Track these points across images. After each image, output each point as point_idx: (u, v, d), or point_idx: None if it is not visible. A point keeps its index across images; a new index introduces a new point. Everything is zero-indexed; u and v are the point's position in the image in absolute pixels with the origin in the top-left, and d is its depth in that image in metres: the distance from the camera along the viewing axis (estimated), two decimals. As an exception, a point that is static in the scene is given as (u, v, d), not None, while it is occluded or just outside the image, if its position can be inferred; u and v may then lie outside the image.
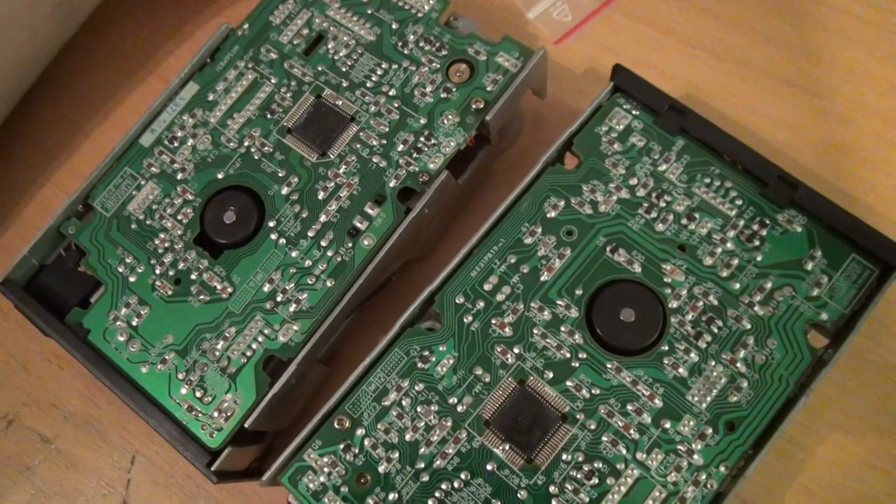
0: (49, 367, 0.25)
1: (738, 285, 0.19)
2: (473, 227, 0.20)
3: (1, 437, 0.24)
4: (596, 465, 0.18)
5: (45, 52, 0.26)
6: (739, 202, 0.20)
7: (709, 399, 0.18)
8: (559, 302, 0.20)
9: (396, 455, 0.19)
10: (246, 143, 0.22)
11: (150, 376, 0.20)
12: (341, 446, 0.19)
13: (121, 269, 0.22)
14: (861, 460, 0.21)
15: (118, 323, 0.21)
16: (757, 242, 0.19)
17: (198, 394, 0.20)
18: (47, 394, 0.24)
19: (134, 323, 0.21)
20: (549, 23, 0.25)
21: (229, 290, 0.21)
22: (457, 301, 0.20)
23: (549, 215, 0.20)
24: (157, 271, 0.21)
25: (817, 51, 0.25)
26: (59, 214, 0.22)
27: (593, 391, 0.19)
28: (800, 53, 0.25)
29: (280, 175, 0.22)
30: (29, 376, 0.25)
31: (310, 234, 0.21)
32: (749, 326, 0.19)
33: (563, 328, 0.19)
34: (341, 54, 0.23)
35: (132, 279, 0.21)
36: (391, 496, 0.18)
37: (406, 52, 0.23)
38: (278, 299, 0.21)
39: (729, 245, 0.20)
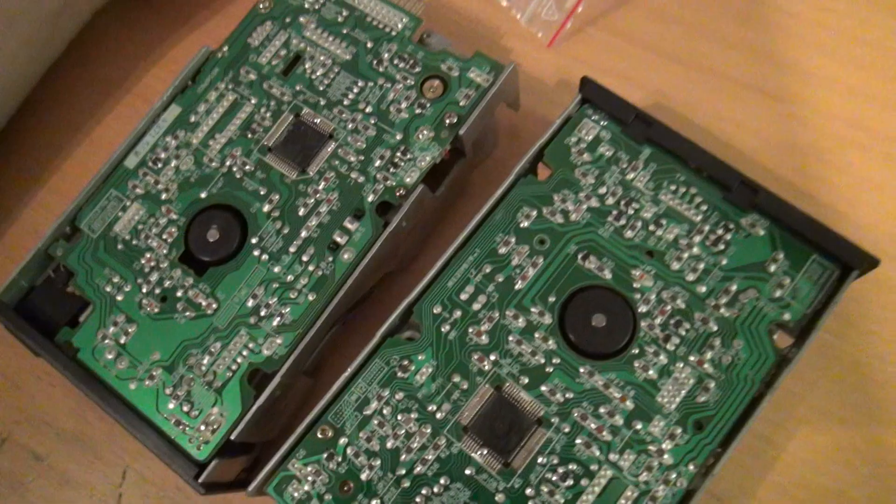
0: (40, 385, 0.25)
1: (704, 289, 0.20)
2: (452, 238, 0.21)
3: (-5, 456, 0.25)
4: (570, 467, 0.19)
5: (26, 76, 0.27)
6: (704, 208, 0.21)
7: (678, 400, 0.19)
8: (533, 309, 0.20)
9: (378, 462, 0.19)
10: (228, 163, 0.23)
11: (139, 392, 0.21)
12: (324, 455, 0.20)
13: (108, 289, 0.22)
14: (828, 455, 0.21)
15: (106, 341, 0.22)
16: (722, 246, 0.20)
17: (185, 408, 0.21)
18: (39, 412, 0.25)
19: (122, 341, 0.22)
20: (540, 25, 0.25)
21: (214, 306, 0.22)
22: (434, 311, 0.21)
23: (522, 225, 0.21)
24: (144, 290, 0.22)
25: (780, 57, 0.26)
26: (47, 237, 0.23)
27: (567, 395, 0.19)
28: (763, 59, 0.26)
29: (261, 193, 0.23)
30: (21, 395, 0.25)
31: (291, 249, 0.22)
32: (716, 328, 0.20)
33: (537, 335, 0.20)
34: (318, 73, 0.24)
35: (119, 298, 0.22)
36: (374, 502, 0.19)
37: (381, 69, 0.23)
38: (262, 314, 0.21)
39: (695, 250, 0.20)
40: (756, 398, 0.19)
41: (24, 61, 0.26)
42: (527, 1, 0.25)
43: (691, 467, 0.18)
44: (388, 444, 0.19)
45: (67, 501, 0.24)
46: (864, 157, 0.24)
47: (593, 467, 0.19)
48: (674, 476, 0.18)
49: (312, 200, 0.22)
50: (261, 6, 0.25)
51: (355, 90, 0.23)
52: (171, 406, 0.21)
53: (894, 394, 0.22)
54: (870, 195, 0.24)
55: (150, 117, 0.24)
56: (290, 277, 0.22)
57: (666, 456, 0.19)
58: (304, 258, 0.22)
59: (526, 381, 0.20)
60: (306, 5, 0.25)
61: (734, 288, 0.20)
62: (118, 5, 0.29)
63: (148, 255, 0.22)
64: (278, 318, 0.21)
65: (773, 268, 0.20)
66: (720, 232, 0.20)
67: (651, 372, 0.19)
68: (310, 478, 0.19)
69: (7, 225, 0.28)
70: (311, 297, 0.21)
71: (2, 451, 0.25)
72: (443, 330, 0.20)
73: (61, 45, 0.27)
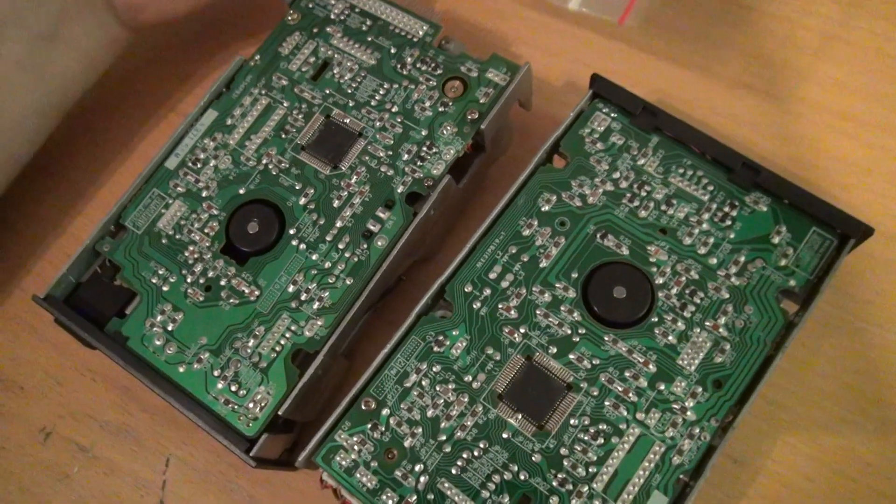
0: (83, 381, 0.26)
1: (714, 260, 0.22)
2: (473, 229, 0.23)
3: (40, 449, 0.26)
4: (601, 426, 0.20)
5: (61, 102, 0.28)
6: (711, 188, 0.22)
7: (697, 361, 0.21)
8: (558, 285, 0.22)
9: (420, 430, 0.21)
10: (264, 161, 0.25)
11: (188, 375, 0.22)
12: (369, 426, 0.21)
13: (154, 281, 0.24)
14: (836, 416, 0.23)
15: (155, 329, 0.23)
16: (729, 222, 0.22)
17: (233, 388, 0.22)
18: (82, 406, 0.26)
19: (169, 328, 0.23)
20: (599, 5, 0.23)
21: (256, 292, 0.23)
22: (465, 290, 0.22)
23: (543, 209, 0.23)
24: (189, 280, 0.23)
25: (770, 57, 0.28)
26: (93, 234, 0.24)
27: (594, 361, 0.21)
28: (755, 60, 0.28)
29: (297, 188, 0.24)
30: (64, 390, 0.26)
31: (328, 238, 0.23)
32: (727, 296, 0.21)
33: (562, 308, 0.22)
34: (346, 78, 0.25)
35: (165, 288, 0.23)
36: (417, 467, 0.20)
37: (405, 72, 0.25)
38: (302, 298, 0.23)
39: (704, 226, 0.22)
40: (767, 359, 0.21)
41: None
42: None
43: (713, 422, 0.20)
44: (429, 413, 0.21)
45: (113, 489, 0.25)
46: (852, 144, 0.26)
47: (622, 426, 0.20)
48: (697, 430, 0.20)
49: (346, 193, 0.24)
50: (289, 18, 0.27)
51: (381, 92, 0.25)
52: (219, 386, 0.22)
53: (892, 356, 0.23)
54: (859, 178, 0.26)
55: (188, 122, 0.26)
56: (327, 264, 0.23)
57: (689, 413, 0.20)
58: (341, 246, 0.23)
59: (554, 350, 0.21)
60: (332, 16, 0.26)
61: (742, 259, 0.21)
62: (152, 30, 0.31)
63: (191, 248, 0.24)
64: (318, 302, 0.23)
65: (776, 240, 0.22)
66: (727, 209, 0.22)
67: (671, 337, 0.21)
68: (356, 447, 0.21)
69: (51, 234, 0.29)
70: (348, 282, 0.23)
71: (47, 444, 0.26)
72: (474, 306, 0.22)
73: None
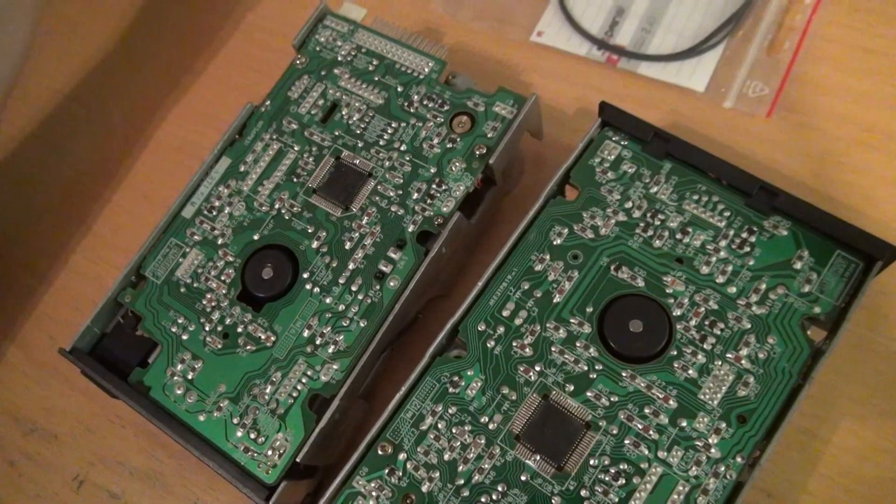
0: (112, 428, 0.27)
1: (734, 289, 0.21)
2: (489, 263, 0.23)
3: (74, 497, 0.26)
4: (621, 466, 0.20)
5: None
6: (727, 214, 0.22)
7: (719, 396, 0.20)
8: (572, 320, 0.21)
9: (437, 474, 0.20)
10: (277, 206, 0.25)
11: (208, 423, 0.22)
12: (386, 471, 0.21)
13: (174, 330, 0.24)
14: (873, 444, 0.22)
15: (175, 378, 0.23)
16: (748, 249, 0.21)
17: (252, 435, 0.22)
18: (112, 453, 0.26)
19: (189, 377, 0.23)
20: (749, 103, 0.26)
21: (273, 338, 0.23)
22: (479, 328, 0.22)
23: (555, 243, 0.22)
24: (207, 328, 0.24)
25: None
26: (115, 286, 0.25)
27: (612, 399, 0.20)
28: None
29: (309, 231, 0.24)
30: (94, 437, 0.27)
31: (341, 280, 0.23)
32: (749, 326, 0.20)
33: (578, 344, 0.21)
34: (355, 118, 0.26)
35: (185, 337, 0.24)
36: (436, 512, 0.20)
37: (412, 110, 0.25)
38: (317, 342, 0.23)
39: (722, 253, 0.21)
40: (795, 389, 0.20)
41: None
42: (727, 88, 0.26)
43: (739, 459, 0.19)
44: (446, 457, 0.21)
45: (143, 536, 0.25)
46: (877, 156, 0.25)
47: (643, 465, 0.20)
48: (723, 469, 0.19)
49: (357, 234, 0.24)
50: (297, 62, 0.27)
51: (390, 131, 0.25)
52: (239, 434, 0.22)
53: (932, 380, 0.22)
54: (885, 192, 0.25)
55: (202, 170, 0.26)
56: (341, 307, 0.23)
57: (713, 450, 0.19)
58: (354, 288, 0.23)
59: (571, 388, 0.21)
60: (339, 58, 0.27)
61: (763, 287, 0.21)
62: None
63: (209, 296, 0.24)
64: (333, 346, 0.23)
65: (798, 265, 0.21)
66: (745, 235, 0.21)
67: (691, 371, 0.20)
68: (374, 493, 0.20)
69: (78, 281, 0.30)
70: (362, 324, 0.23)
71: (80, 493, 0.26)
72: (488, 345, 0.22)
73: None
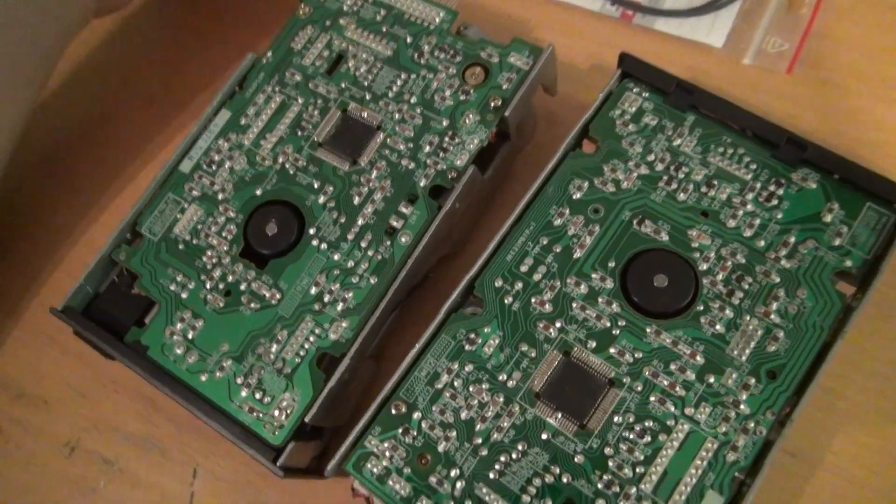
0: (106, 392, 0.26)
1: (762, 243, 0.20)
2: (500, 221, 0.22)
3: (65, 464, 0.25)
4: (647, 424, 0.19)
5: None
6: (754, 166, 0.21)
7: (748, 351, 0.19)
8: (594, 275, 0.21)
9: (454, 434, 0.20)
10: (280, 160, 0.24)
11: (210, 383, 0.21)
12: (400, 430, 0.20)
13: (172, 288, 0.23)
14: (901, 403, 0.21)
15: (175, 337, 0.22)
16: (775, 202, 0.21)
17: (257, 395, 0.21)
18: (106, 418, 0.25)
19: (190, 336, 0.22)
20: (768, 59, 0.25)
21: (278, 296, 0.22)
22: (496, 284, 0.21)
23: (574, 197, 0.22)
24: (208, 286, 0.23)
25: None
26: (109, 242, 0.23)
27: (636, 355, 0.20)
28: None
29: (315, 186, 0.23)
30: (87, 403, 0.26)
31: (349, 236, 0.22)
32: (778, 280, 0.20)
33: (600, 299, 0.20)
34: (362, 70, 0.24)
35: (184, 295, 0.23)
36: (453, 472, 0.19)
37: (423, 61, 0.24)
38: (325, 300, 0.22)
39: (749, 207, 0.21)
40: (825, 346, 0.19)
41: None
42: (745, 44, 0.26)
43: (769, 415, 0.18)
44: (463, 415, 0.20)
45: (140, 503, 0.24)
46: (900, 113, 0.24)
47: (670, 422, 0.19)
48: (752, 425, 0.18)
49: (366, 189, 0.23)
50: (300, 12, 0.26)
51: (399, 83, 0.24)
52: (243, 394, 0.21)
53: (959, 340, 0.22)
54: (910, 149, 0.24)
55: (201, 123, 0.25)
56: (350, 263, 0.22)
57: (742, 406, 0.19)
58: (363, 244, 0.22)
59: (594, 344, 0.20)
60: (345, 7, 0.26)
61: (792, 240, 0.20)
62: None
63: (209, 253, 0.23)
64: (342, 303, 0.22)
65: (828, 218, 0.20)
66: (772, 188, 0.21)
67: (718, 326, 0.20)
68: (387, 453, 0.20)
69: (68, 243, 0.28)
70: (372, 281, 0.22)
71: (72, 459, 0.25)
72: (506, 301, 0.21)
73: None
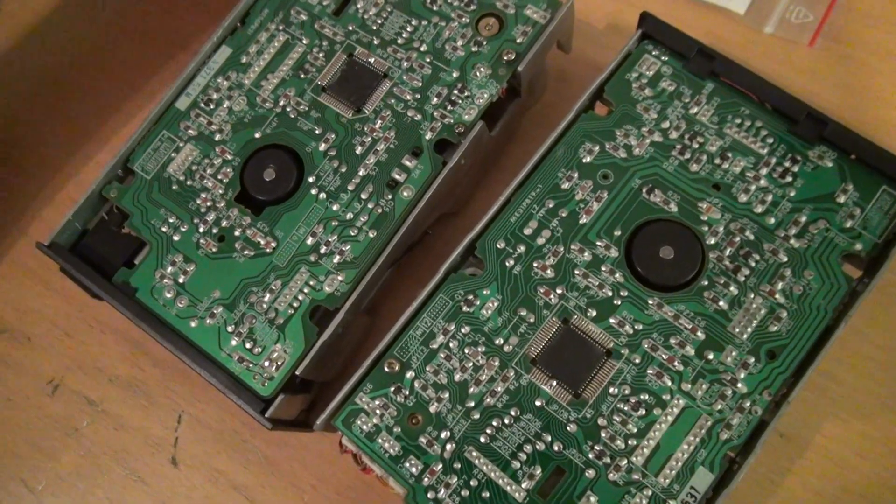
0: (92, 333, 0.25)
1: (773, 220, 0.20)
2: (504, 182, 0.21)
3: (48, 402, 0.25)
4: (642, 396, 0.19)
5: None
6: (770, 140, 0.20)
7: (750, 330, 0.19)
8: (599, 243, 0.20)
9: (447, 395, 0.19)
10: (281, 103, 0.23)
11: (200, 330, 0.21)
12: (392, 389, 0.19)
13: (164, 229, 0.22)
14: (894, 391, 0.21)
15: (165, 280, 0.21)
16: (789, 178, 0.20)
17: (248, 345, 0.21)
18: (91, 358, 0.25)
19: (181, 280, 0.21)
20: (791, 30, 0.24)
21: (273, 244, 0.21)
22: (498, 246, 0.20)
23: (584, 160, 0.21)
24: (201, 230, 0.22)
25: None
26: (100, 178, 0.23)
27: (636, 327, 0.19)
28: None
29: (317, 132, 0.22)
30: (72, 342, 0.25)
31: (350, 187, 0.22)
32: (786, 259, 0.19)
33: (603, 268, 0.20)
34: (371, 13, 0.23)
35: (176, 238, 0.22)
36: (443, 434, 0.19)
37: (435, 8, 0.23)
38: (322, 251, 0.21)
39: (762, 182, 0.20)
40: (827, 329, 0.19)
41: None
42: (768, 12, 0.24)
43: (766, 395, 0.18)
44: (456, 377, 0.19)
45: (123, 445, 0.24)
46: (923, 96, 0.24)
47: (665, 397, 0.19)
48: (748, 404, 0.18)
49: (369, 139, 0.22)
50: (309, -53, 0.24)
51: (409, 29, 0.23)
52: (233, 343, 0.21)
53: (959, 329, 0.21)
54: (930, 133, 0.23)
55: (199, 59, 0.24)
56: (349, 215, 0.21)
57: (740, 385, 0.18)
58: (363, 196, 0.21)
59: (594, 313, 0.19)
60: (356, -55, 0.24)
61: (804, 219, 0.20)
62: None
63: (203, 196, 0.22)
64: (339, 256, 0.21)
65: (842, 199, 0.20)
66: (787, 164, 0.20)
67: (722, 303, 0.19)
68: (378, 411, 0.19)
69: (59, 178, 0.27)
70: (371, 234, 0.21)
71: (55, 397, 0.25)
72: (507, 264, 0.20)
73: None
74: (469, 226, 0.21)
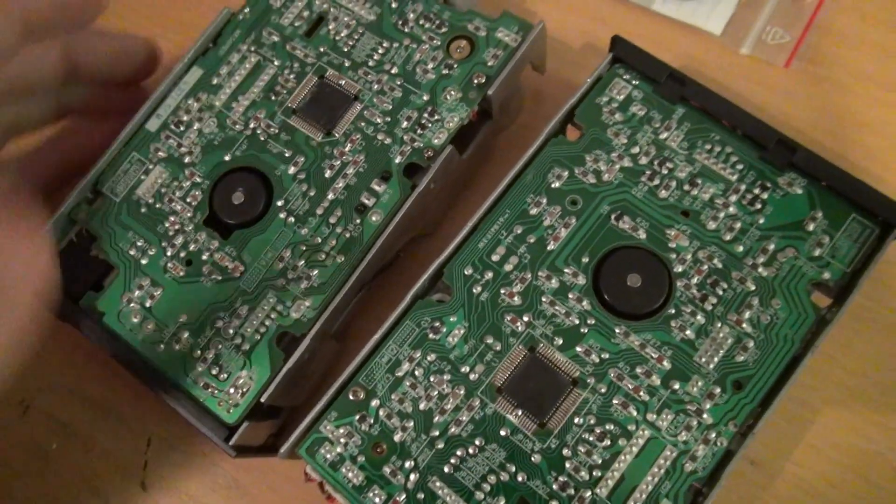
0: (63, 353, 0.25)
1: (741, 248, 0.20)
2: (477, 203, 0.21)
3: (18, 423, 0.24)
4: (607, 427, 0.19)
5: None
6: (740, 167, 0.20)
7: (716, 359, 0.19)
8: (566, 270, 0.20)
9: (411, 424, 0.19)
10: (251, 125, 0.23)
11: (166, 355, 0.21)
12: (356, 417, 0.19)
13: (132, 252, 0.22)
14: (866, 418, 0.21)
15: (132, 305, 0.21)
16: (759, 206, 0.20)
17: (213, 371, 0.20)
18: (62, 379, 0.25)
19: (147, 304, 0.21)
20: (767, 51, 0.24)
21: (241, 269, 0.21)
22: (465, 272, 0.20)
23: (553, 186, 0.21)
24: (169, 253, 0.22)
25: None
26: (69, 201, 0.23)
27: (602, 356, 0.19)
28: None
29: (286, 155, 0.22)
30: (43, 362, 0.25)
31: (318, 211, 0.21)
32: (753, 287, 0.19)
33: (571, 295, 0.20)
34: (342, 35, 0.23)
35: (144, 261, 0.22)
36: (407, 464, 0.19)
37: (406, 30, 0.23)
38: (289, 276, 0.21)
39: (731, 209, 0.20)
40: (794, 358, 0.19)
41: None
42: (745, 33, 0.24)
43: (731, 427, 0.18)
44: (421, 406, 0.19)
45: (92, 469, 0.24)
46: (898, 118, 0.24)
47: (631, 427, 0.18)
48: (713, 435, 0.18)
49: (339, 162, 0.22)
50: (282, -33, 0.24)
51: (380, 51, 0.23)
52: (199, 369, 0.20)
53: (931, 356, 0.21)
54: (905, 157, 0.23)
55: (171, 80, 0.24)
56: (317, 240, 0.21)
57: (705, 415, 0.18)
58: (332, 220, 0.21)
59: (560, 341, 0.19)
60: (329, -35, 0.24)
61: (772, 247, 0.19)
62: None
63: (172, 219, 0.22)
64: (306, 281, 0.21)
65: (811, 226, 0.20)
66: (757, 191, 0.20)
67: (688, 332, 0.19)
68: (342, 440, 0.19)
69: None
70: (339, 259, 0.21)
71: (25, 419, 0.24)
72: (474, 291, 0.20)
73: None
74: (441, 247, 0.21)
